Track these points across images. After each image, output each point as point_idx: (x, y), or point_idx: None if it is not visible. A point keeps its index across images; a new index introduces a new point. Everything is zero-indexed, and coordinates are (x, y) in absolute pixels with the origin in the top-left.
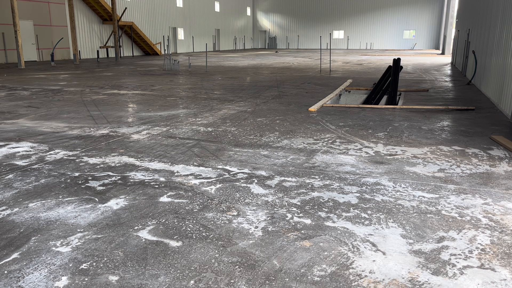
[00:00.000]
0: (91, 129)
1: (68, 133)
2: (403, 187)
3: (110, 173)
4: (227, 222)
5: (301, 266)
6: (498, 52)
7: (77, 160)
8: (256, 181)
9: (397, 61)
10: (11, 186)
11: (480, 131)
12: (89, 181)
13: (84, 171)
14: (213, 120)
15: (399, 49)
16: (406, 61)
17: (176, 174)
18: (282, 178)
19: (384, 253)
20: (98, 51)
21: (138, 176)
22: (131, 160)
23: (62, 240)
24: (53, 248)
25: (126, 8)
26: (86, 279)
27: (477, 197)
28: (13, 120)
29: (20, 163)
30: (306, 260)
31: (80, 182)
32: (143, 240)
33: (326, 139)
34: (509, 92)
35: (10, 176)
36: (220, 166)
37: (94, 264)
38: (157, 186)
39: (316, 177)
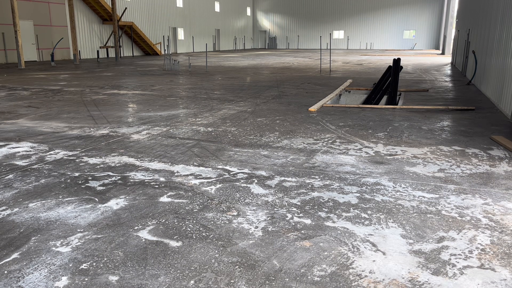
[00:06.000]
0: (91, 129)
1: (68, 133)
2: (403, 187)
3: (110, 173)
4: (227, 222)
5: (301, 266)
6: (498, 52)
7: (77, 160)
8: (256, 181)
9: (397, 61)
10: (11, 186)
11: (480, 131)
12: (89, 181)
13: (84, 171)
14: (213, 120)
15: (399, 49)
16: (406, 61)
17: (176, 174)
18: (282, 178)
19: (384, 253)
20: (98, 51)
21: (138, 176)
22: (131, 160)
23: (62, 240)
24: (53, 248)
25: (126, 8)
26: (86, 279)
27: (477, 197)
28: (13, 120)
29: (20, 163)
30: (306, 260)
31: (80, 182)
32: (143, 240)
33: (326, 139)
34: (509, 92)
35: (10, 176)
36: (220, 166)
37: (94, 264)
38: (157, 186)
39: (316, 177)
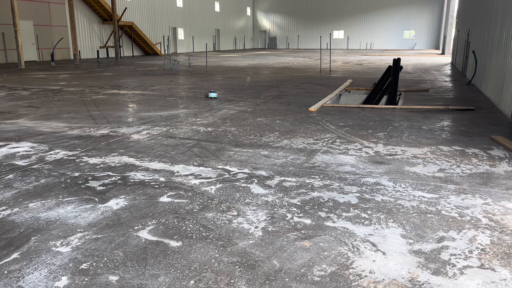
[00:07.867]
0: (91, 129)
1: (68, 133)
2: (403, 187)
3: (110, 173)
4: (227, 222)
5: (301, 266)
6: (498, 52)
7: (77, 160)
8: (256, 181)
9: (397, 61)
10: (11, 186)
11: (480, 131)
12: (89, 181)
13: (84, 171)
14: (213, 120)
15: (399, 49)
16: (406, 61)
17: (176, 174)
18: (282, 178)
19: (384, 253)
20: (98, 51)
21: (138, 176)
22: (131, 160)
23: (62, 240)
24: (53, 248)
25: (126, 8)
26: (86, 279)
27: (477, 197)
28: (13, 120)
29: (20, 163)
30: (306, 260)
31: (80, 182)
32: (143, 240)
33: (326, 139)
34: (509, 92)
35: (10, 176)
36: (220, 166)
37: (94, 264)
38: (157, 186)
39: (316, 177)
